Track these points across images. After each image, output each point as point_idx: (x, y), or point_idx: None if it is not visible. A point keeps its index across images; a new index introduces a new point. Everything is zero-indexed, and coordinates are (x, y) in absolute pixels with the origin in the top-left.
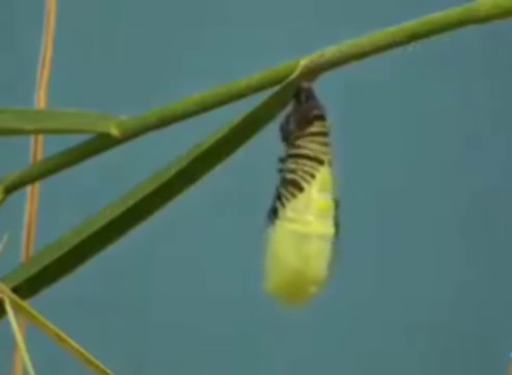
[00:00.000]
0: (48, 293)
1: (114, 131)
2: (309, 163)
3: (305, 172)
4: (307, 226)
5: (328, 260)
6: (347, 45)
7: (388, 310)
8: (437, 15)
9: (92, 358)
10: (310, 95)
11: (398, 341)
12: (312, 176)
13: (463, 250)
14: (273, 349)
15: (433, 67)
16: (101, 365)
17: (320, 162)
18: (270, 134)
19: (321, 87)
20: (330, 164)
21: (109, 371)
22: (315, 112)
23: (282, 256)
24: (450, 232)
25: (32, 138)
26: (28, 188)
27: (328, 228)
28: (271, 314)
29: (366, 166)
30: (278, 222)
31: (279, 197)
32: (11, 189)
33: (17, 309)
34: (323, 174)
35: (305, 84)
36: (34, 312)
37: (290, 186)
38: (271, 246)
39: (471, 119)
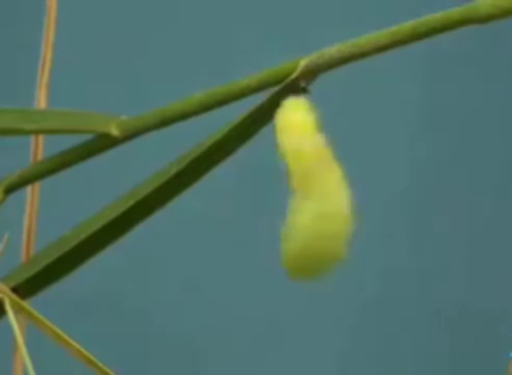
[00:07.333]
0: (48, 293)
1: (114, 131)
2: None
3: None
4: (328, 206)
5: (346, 240)
6: (347, 45)
7: (386, 309)
8: (437, 15)
9: (92, 358)
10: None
11: (397, 339)
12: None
13: (466, 251)
14: (272, 349)
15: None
16: (101, 365)
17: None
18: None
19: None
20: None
21: (109, 371)
22: None
23: (301, 230)
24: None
25: (32, 138)
26: (28, 188)
27: (348, 208)
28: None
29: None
30: (300, 200)
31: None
32: (11, 189)
33: (17, 309)
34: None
35: (303, 84)
36: (34, 312)
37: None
38: (292, 221)
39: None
